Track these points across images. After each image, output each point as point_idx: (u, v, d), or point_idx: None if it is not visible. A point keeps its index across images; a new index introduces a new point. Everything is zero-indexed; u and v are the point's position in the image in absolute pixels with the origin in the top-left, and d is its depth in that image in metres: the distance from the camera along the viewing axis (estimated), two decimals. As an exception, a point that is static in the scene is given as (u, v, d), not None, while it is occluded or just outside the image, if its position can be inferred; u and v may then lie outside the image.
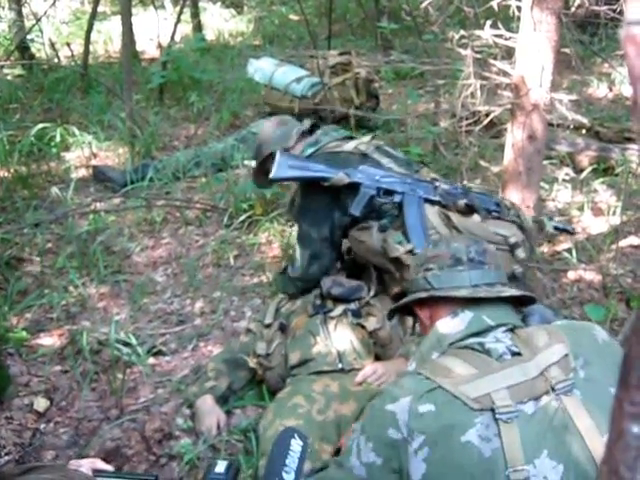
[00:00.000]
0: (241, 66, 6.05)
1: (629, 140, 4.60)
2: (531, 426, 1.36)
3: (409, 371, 1.58)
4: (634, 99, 0.51)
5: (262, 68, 5.31)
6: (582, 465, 1.33)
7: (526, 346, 1.48)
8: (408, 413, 1.41)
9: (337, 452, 2.09)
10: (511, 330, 1.55)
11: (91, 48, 6.82)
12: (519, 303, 1.72)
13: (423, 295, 1.69)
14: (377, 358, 2.56)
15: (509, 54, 3.46)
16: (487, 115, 3.41)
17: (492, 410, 1.36)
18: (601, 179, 4.27)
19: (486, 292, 1.61)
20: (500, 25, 3.07)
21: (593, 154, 4.56)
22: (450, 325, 1.59)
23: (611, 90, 6.40)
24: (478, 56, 3.02)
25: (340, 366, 2.47)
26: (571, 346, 1.47)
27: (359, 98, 5.22)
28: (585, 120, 4.02)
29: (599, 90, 6.40)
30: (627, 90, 6.34)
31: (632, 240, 3.62)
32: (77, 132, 5.03)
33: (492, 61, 2.96)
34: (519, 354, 1.47)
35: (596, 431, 1.35)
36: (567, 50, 2.99)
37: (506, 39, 2.95)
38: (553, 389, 1.40)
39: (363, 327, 2.59)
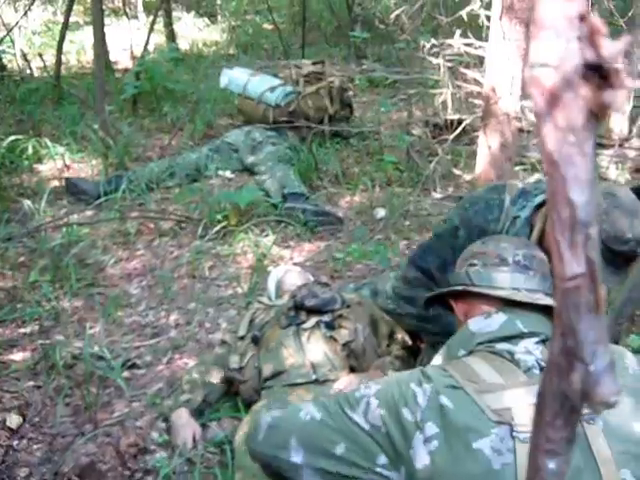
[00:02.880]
0: (215, 76, 6.04)
1: (599, 145, 4.66)
2: None
3: (434, 365, 1.54)
4: (539, 133, 0.53)
5: (235, 78, 5.31)
6: None
7: None
8: (428, 399, 1.37)
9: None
10: (543, 341, 1.50)
11: (63, 59, 6.78)
12: None
13: (459, 288, 1.67)
14: (352, 370, 2.56)
15: (480, 62, 3.50)
16: (459, 123, 3.44)
17: (510, 425, 1.33)
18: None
19: (524, 297, 1.57)
20: (470, 34, 3.10)
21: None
22: (482, 324, 1.55)
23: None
24: (450, 65, 3.04)
25: (314, 377, 2.46)
26: None
27: (333, 107, 5.23)
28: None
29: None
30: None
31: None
32: (50, 144, 5.00)
33: (463, 70, 2.99)
34: None
35: (613, 464, 1.31)
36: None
37: (476, 48, 2.98)
38: None
39: (336, 339, 2.58)
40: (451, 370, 1.43)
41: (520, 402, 1.36)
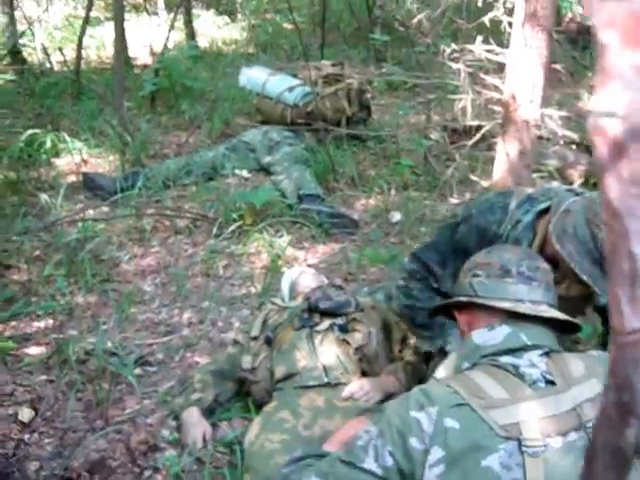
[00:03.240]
0: (234, 74, 6.05)
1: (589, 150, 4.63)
2: (555, 463, 1.32)
3: (437, 379, 1.55)
4: (600, 182, 0.52)
5: (254, 77, 5.31)
6: None
7: (561, 375, 1.44)
8: (435, 424, 1.36)
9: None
10: (547, 354, 1.51)
11: (83, 54, 6.81)
12: (563, 328, 1.67)
13: (463, 300, 1.66)
14: (364, 374, 2.55)
15: (500, 68, 3.48)
16: (478, 129, 3.43)
17: (519, 440, 1.33)
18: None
19: (528, 309, 1.56)
20: (491, 40, 3.08)
21: (583, 168, 4.58)
22: (486, 337, 1.55)
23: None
24: (470, 70, 3.03)
25: (326, 380, 2.45)
26: None
27: (351, 108, 5.22)
28: (575, 135, 4.03)
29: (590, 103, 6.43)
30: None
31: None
32: (68, 138, 5.01)
33: (483, 76, 2.97)
34: (553, 382, 1.43)
35: None
36: (558, 66, 3.00)
37: (497, 54, 2.96)
38: (583, 426, 1.36)
39: (349, 343, 2.58)
40: (455, 386, 1.43)
41: (527, 416, 1.36)
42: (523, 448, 1.31)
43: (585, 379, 1.43)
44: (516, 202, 2.28)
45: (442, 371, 1.60)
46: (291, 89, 5.02)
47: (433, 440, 1.35)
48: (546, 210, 2.23)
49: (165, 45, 6.18)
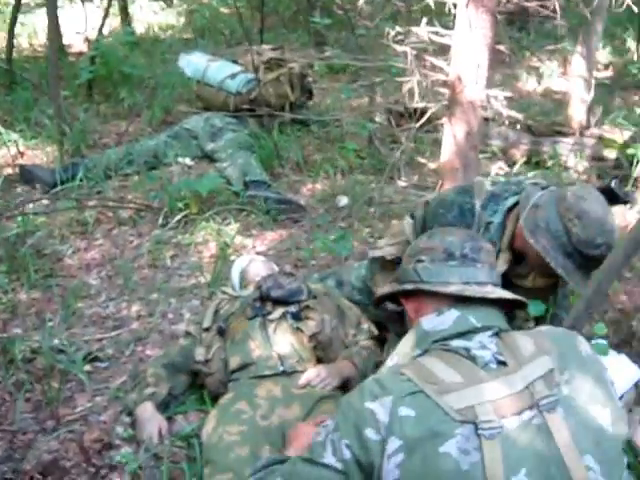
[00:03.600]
0: (172, 61, 5.94)
1: (559, 133, 4.71)
2: (512, 442, 1.32)
3: (389, 368, 1.53)
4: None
5: (194, 63, 5.20)
6: None
7: (511, 354, 1.44)
8: (389, 415, 1.35)
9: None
10: (496, 334, 1.51)
11: (15, 42, 6.57)
12: (508, 306, 1.68)
13: (410, 287, 1.64)
14: (319, 361, 2.54)
15: (443, 50, 3.49)
16: (423, 111, 3.43)
17: (474, 423, 1.32)
18: (533, 172, 4.35)
19: (475, 291, 1.56)
20: (436, 22, 3.08)
21: (525, 148, 4.66)
22: (434, 322, 1.55)
23: (539, 84, 6.54)
24: (414, 52, 3.02)
25: (282, 369, 2.43)
26: (557, 359, 1.43)
27: (294, 94, 5.18)
28: (520, 116, 4.08)
29: (528, 84, 6.53)
30: (555, 84, 6.49)
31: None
32: (2, 130, 4.84)
33: (428, 58, 2.97)
34: (504, 363, 1.43)
35: (575, 451, 1.32)
36: (500, 46, 3.02)
37: (442, 36, 2.96)
38: (537, 405, 1.36)
39: (302, 331, 2.56)
40: (408, 373, 1.42)
41: (482, 399, 1.36)
42: (479, 431, 1.31)
43: (535, 357, 1.43)
44: (480, 202, 2.30)
45: (394, 358, 1.59)
46: (233, 76, 4.93)
47: (389, 430, 1.35)
48: (513, 207, 2.27)
49: (100, 32, 6.02)
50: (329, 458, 1.40)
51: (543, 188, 2.28)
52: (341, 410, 1.45)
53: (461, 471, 1.29)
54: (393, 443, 1.34)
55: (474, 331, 1.50)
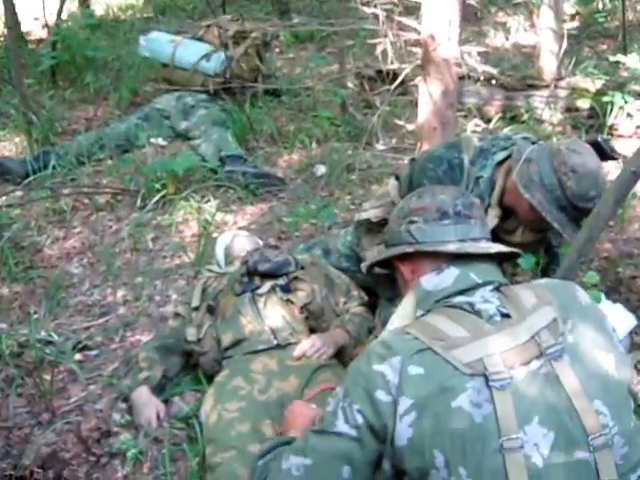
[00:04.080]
0: (135, 41, 5.81)
1: (531, 87, 4.69)
2: (523, 392, 1.32)
3: (393, 329, 1.51)
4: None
5: (158, 46, 5.03)
6: (571, 432, 1.30)
7: (514, 307, 1.44)
8: (399, 375, 1.34)
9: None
10: (497, 288, 1.51)
11: (-29, 32, 6.42)
12: (503, 259, 1.68)
13: (409, 249, 1.61)
14: (312, 331, 2.52)
15: (408, 11, 3.45)
16: (395, 73, 3.39)
17: (484, 376, 1.32)
18: (509, 127, 4.34)
19: (474, 247, 1.56)
20: (402, -20, 3.04)
21: (499, 103, 4.64)
22: (435, 281, 1.53)
23: (507, 39, 6.51)
24: (385, 13, 2.97)
25: (275, 342, 2.42)
26: (558, 309, 1.43)
27: (263, 65, 5.10)
28: (495, 71, 4.06)
29: (496, 39, 6.50)
30: (523, 38, 6.47)
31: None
32: (-34, 123, 4.74)
33: (399, 18, 2.93)
34: (508, 315, 1.43)
35: (585, 397, 1.33)
36: (472, 1, 2.98)
37: (410, -6, 2.92)
38: (543, 354, 1.36)
39: (293, 302, 2.54)
40: (414, 332, 1.41)
41: (490, 351, 1.35)
42: (490, 383, 1.31)
43: (538, 308, 1.43)
44: (469, 157, 2.28)
45: (396, 322, 1.57)
46: (207, 57, 4.80)
47: (400, 390, 1.33)
48: (502, 161, 2.25)
49: (59, 16, 5.89)
50: (342, 426, 1.38)
51: (533, 143, 2.28)
52: (349, 376, 1.43)
53: (475, 424, 1.29)
54: (404, 403, 1.32)
55: (475, 287, 1.50)
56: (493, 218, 2.24)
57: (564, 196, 2.10)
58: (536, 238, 2.35)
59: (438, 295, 1.51)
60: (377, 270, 1.93)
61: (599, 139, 2.21)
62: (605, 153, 2.20)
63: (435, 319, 1.44)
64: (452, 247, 1.56)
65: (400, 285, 1.72)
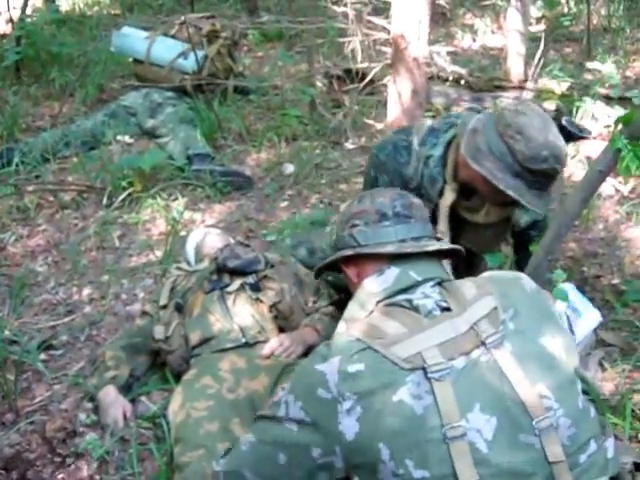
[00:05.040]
0: (102, 37, 5.75)
1: (498, 88, 4.73)
2: (463, 381, 1.35)
3: (339, 332, 1.55)
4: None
5: (131, 42, 4.96)
6: (515, 417, 1.34)
7: (455, 300, 1.47)
8: (338, 373, 1.38)
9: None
10: (439, 284, 1.54)
11: None
12: (446, 255, 1.71)
13: (349, 252, 1.66)
14: (281, 330, 2.51)
15: (377, 10, 3.46)
16: (364, 72, 3.39)
17: (423, 369, 1.35)
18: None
19: (412, 247, 1.59)
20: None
21: (467, 104, 4.66)
22: (377, 283, 1.57)
23: (475, 41, 6.56)
24: (355, 12, 2.97)
25: (244, 341, 2.40)
26: (499, 298, 1.47)
27: (236, 64, 5.07)
28: (463, 71, 4.08)
29: (464, 41, 6.54)
30: (490, 40, 6.52)
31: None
32: None
33: (369, 17, 2.93)
34: (448, 309, 1.46)
35: (527, 382, 1.36)
36: (440, 1, 2.99)
37: (380, -6, 2.93)
38: (483, 343, 1.39)
39: (262, 301, 2.53)
40: (355, 333, 1.45)
41: (428, 344, 1.39)
42: (429, 374, 1.34)
43: (478, 298, 1.47)
44: (419, 138, 2.26)
45: (342, 325, 1.61)
46: (184, 55, 4.75)
47: (341, 387, 1.37)
48: (453, 138, 2.21)
49: (23, 11, 5.79)
50: (282, 417, 1.45)
51: (479, 112, 2.23)
52: (297, 374, 1.52)
53: (416, 415, 1.32)
54: (349, 399, 1.36)
55: (416, 285, 1.53)
56: (450, 193, 2.21)
57: (515, 161, 1.98)
58: (501, 217, 2.29)
59: (380, 295, 1.55)
60: (325, 275, 1.97)
61: (563, 121, 2.20)
62: (571, 134, 2.18)
63: (376, 319, 1.48)
64: (391, 248, 1.60)
65: (350, 289, 1.76)
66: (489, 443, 1.31)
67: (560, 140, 1.99)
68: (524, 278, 1.58)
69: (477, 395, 1.34)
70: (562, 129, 2.16)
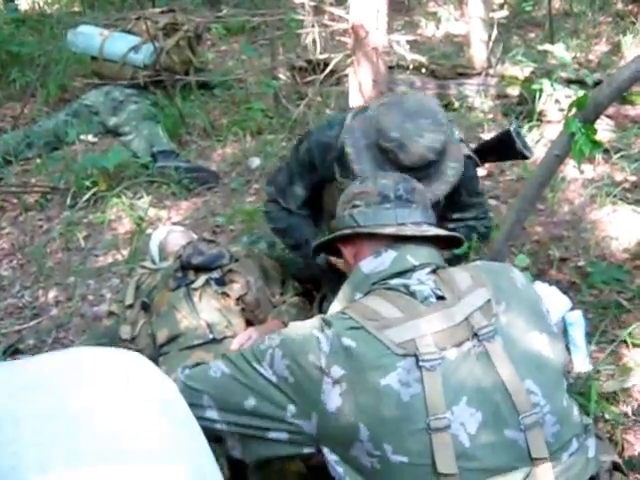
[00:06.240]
0: (63, 36, 5.66)
1: (462, 75, 4.75)
2: (452, 373, 1.34)
3: (333, 311, 1.54)
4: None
5: (85, 39, 4.90)
6: (501, 411, 1.33)
7: (449, 289, 1.46)
8: (330, 344, 1.37)
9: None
10: (434, 271, 1.53)
11: None
12: (444, 244, 1.70)
13: (348, 232, 1.65)
14: (249, 323, 2.50)
15: (337, 1, 3.45)
16: (325, 63, 3.39)
17: (415, 356, 1.34)
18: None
19: (411, 230, 1.58)
20: (329, -30, 3.03)
21: (431, 92, 4.67)
22: (373, 264, 1.55)
23: (438, 28, 6.57)
24: (312, 3, 2.96)
25: (211, 337, 2.39)
26: (493, 290, 1.46)
27: (196, 57, 5.03)
28: (423, 59, 4.08)
29: (427, 29, 6.55)
30: (453, 28, 6.54)
31: (480, 171, 3.73)
32: None
33: (327, 8, 2.92)
34: (443, 298, 1.45)
35: (516, 377, 1.35)
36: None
37: (337, -16, 2.92)
38: (476, 335, 1.38)
39: (228, 295, 2.52)
40: (350, 312, 1.43)
41: (422, 332, 1.37)
42: (420, 363, 1.33)
43: (472, 290, 1.46)
44: (352, 114, 2.27)
45: (337, 305, 1.60)
46: (136, 49, 4.70)
47: (330, 359, 1.36)
48: None
49: (-19, 11, 5.70)
50: (264, 367, 1.43)
51: None
52: (289, 330, 1.47)
53: (402, 402, 1.31)
54: (335, 372, 1.35)
55: (412, 269, 1.52)
56: None
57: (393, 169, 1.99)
58: None
59: (375, 278, 1.53)
60: (322, 257, 1.98)
61: (511, 128, 2.19)
62: (513, 145, 2.16)
63: (371, 301, 1.46)
64: (390, 230, 1.58)
65: (346, 270, 1.75)
66: (471, 437, 1.30)
67: (428, 131, 1.98)
68: (514, 271, 1.57)
69: (465, 388, 1.33)
70: (508, 136, 2.15)
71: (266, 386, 1.42)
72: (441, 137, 1.97)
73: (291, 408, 1.39)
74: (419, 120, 1.97)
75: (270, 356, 1.43)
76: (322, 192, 2.43)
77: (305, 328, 1.44)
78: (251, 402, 1.43)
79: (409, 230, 1.58)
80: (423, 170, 1.96)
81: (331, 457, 1.38)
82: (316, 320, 1.46)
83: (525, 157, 2.25)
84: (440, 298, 1.45)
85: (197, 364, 1.61)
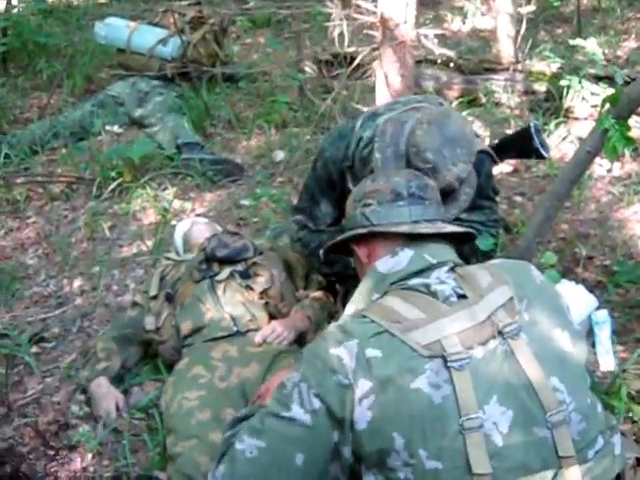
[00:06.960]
0: (89, 27, 5.69)
1: (489, 70, 4.71)
2: (481, 372, 1.32)
3: (351, 314, 1.50)
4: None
5: (113, 31, 4.92)
6: (529, 409, 1.31)
7: (470, 287, 1.44)
8: (356, 358, 1.33)
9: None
10: (452, 269, 1.50)
11: None
12: (458, 240, 1.67)
13: (362, 231, 1.62)
14: (272, 317, 2.50)
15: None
16: (352, 57, 3.37)
17: (443, 357, 1.32)
18: (468, 110, 4.35)
19: (426, 228, 1.55)
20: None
21: (458, 87, 4.64)
22: (390, 264, 1.52)
23: (464, 23, 6.53)
24: (340, -4, 2.95)
25: (235, 329, 2.39)
26: (514, 288, 1.44)
27: (222, 50, 5.04)
28: (452, 53, 4.05)
29: (454, 24, 6.51)
30: (480, 22, 6.49)
31: (503, 167, 3.71)
32: None
33: (355, 0, 2.90)
34: (464, 296, 1.42)
35: (542, 374, 1.34)
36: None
37: (367, -23, 2.90)
38: (501, 333, 1.37)
39: (252, 288, 2.51)
40: (371, 315, 1.40)
41: (447, 332, 1.35)
42: (449, 364, 1.31)
43: (494, 287, 1.44)
44: (361, 121, 2.25)
45: (353, 306, 1.57)
46: (164, 42, 4.71)
47: (357, 373, 1.33)
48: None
49: (9, 2, 5.74)
50: (296, 411, 1.35)
51: (440, 104, 2.21)
52: (306, 360, 1.41)
53: (434, 405, 1.29)
54: (363, 386, 1.32)
55: (430, 268, 1.49)
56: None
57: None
58: None
59: (393, 277, 1.51)
60: (331, 257, 1.94)
61: (531, 124, 2.16)
62: (531, 142, 2.13)
63: (391, 301, 1.44)
64: (405, 228, 1.56)
65: (358, 270, 1.72)
66: (504, 436, 1.29)
67: (462, 162, 1.97)
68: (532, 268, 1.55)
69: (495, 386, 1.32)
70: (527, 132, 2.13)
71: (304, 432, 1.35)
72: (469, 168, 1.97)
73: (335, 434, 1.34)
74: (456, 149, 1.96)
75: (297, 395, 1.36)
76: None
77: (322, 348, 1.38)
78: (301, 457, 1.35)
79: (424, 228, 1.56)
80: (442, 194, 1.96)
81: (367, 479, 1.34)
82: (332, 333, 1.41)
83: (541, 156, 2.22)
84: (461, 297, 1.43)
85: (221, 455, 1.44)
